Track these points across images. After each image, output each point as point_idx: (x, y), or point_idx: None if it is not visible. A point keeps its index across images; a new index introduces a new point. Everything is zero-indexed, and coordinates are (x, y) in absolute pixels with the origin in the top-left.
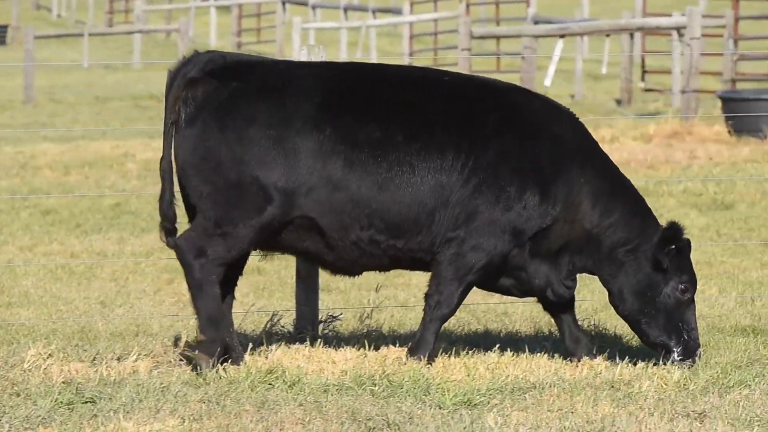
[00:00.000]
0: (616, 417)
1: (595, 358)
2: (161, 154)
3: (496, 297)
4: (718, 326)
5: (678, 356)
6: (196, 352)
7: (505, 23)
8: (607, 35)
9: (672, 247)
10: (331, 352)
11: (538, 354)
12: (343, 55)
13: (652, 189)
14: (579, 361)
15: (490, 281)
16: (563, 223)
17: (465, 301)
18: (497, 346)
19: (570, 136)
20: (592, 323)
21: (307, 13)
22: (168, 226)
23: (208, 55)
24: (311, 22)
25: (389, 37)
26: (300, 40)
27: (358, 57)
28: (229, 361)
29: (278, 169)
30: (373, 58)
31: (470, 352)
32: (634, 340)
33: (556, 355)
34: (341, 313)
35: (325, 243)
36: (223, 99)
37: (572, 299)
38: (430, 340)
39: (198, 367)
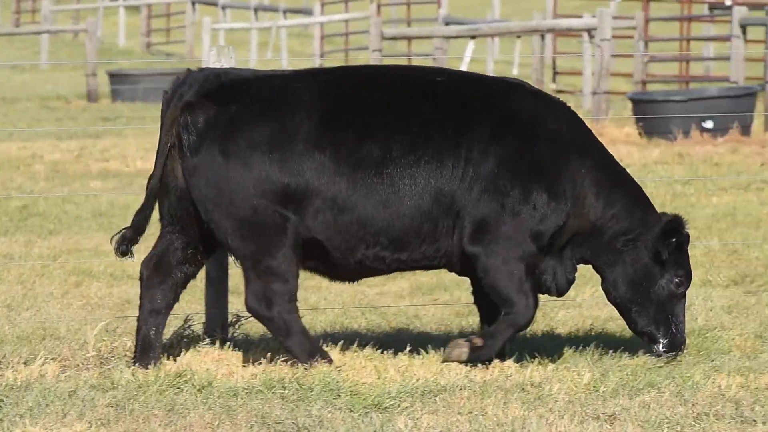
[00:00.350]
0: (526, 419)
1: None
2: (152, 172)
3: (406, 299)
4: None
5: (663, 348)
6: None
7: (417, 24)
8: (518, 36)
9: (673, 240)
10: (241, 355)
11: None
12: (253, 56)
13: None
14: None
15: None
16: (572, 218)
17: (376, 303)
18: (408, 348)
19: (566, 129)
20: None
21: (217, 14)
22: (130, 235)
23: (202, 75)
24: (221, 22)
25: (300, 37)
26: (210, 41)
27: (269, 58)
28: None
29: (283, 191)
30: (284, 59)
31: (381, 354)
32: (543, 342)
33: None
34: (251, 316)
35: (329, 262)
36: (225, 124)
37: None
38: (501, 340)
39: None
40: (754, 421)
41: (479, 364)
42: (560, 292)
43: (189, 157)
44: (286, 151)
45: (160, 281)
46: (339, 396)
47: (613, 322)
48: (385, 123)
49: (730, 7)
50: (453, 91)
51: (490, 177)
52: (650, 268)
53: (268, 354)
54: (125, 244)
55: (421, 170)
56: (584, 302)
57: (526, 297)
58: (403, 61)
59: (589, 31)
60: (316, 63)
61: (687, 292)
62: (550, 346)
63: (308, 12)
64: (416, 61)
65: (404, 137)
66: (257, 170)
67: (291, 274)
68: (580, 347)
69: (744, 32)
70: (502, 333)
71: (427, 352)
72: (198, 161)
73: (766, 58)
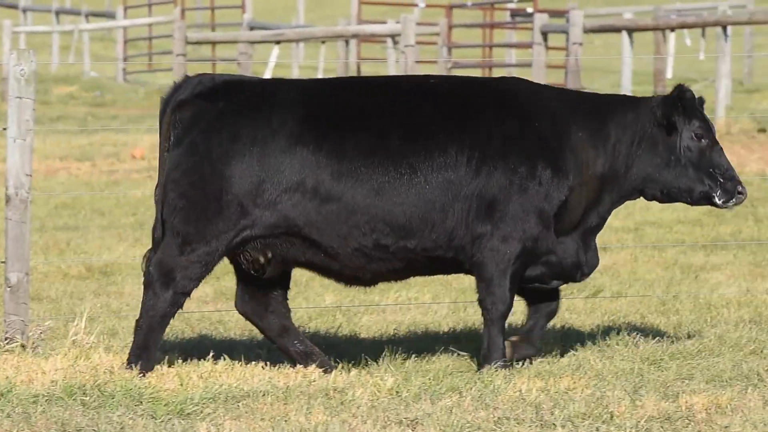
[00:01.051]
0: (329, 425)
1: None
2: (158, 181)
3: (210, 304)
4: (431, 333)
5: (721, 200)
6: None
7: (221, 29)
8: (323, 42)
9: (678, 104)
10: (41, 362)
11: (253, 362)
12: (55, 60)
13: None
14: (513, 356)
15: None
16: (579, 187)
17: (182, 308)
18: (211, 354)
19: (556, 101)
20: (308, 330)
21: (17, 17)
22: (155, 251)
23: (197, 78)
24: (22, 25)
25: (103, 41)
26: (10, 44)
27: (71, 62)
28: (322, 368)
29: (260, 185)
30: (87, 63)
31: (184, 360)
32: (347, 347)
33: (270, 363)
34: (50, 322)
35: (325, 253)
36: (210, 118)
37: (554, 312)
38: (498, 342)
39: None
40: (554, 425)
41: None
42: (590, 268)
43: (172, 149)
44: (267, 146)
45: (265, 309)
46: (141, 402)
47: (416, 326)
48: (379, 120)
49: (531, 15)
50: (449, 91)
51: (496, 159)
52: (667, 143)
53: (69, 360)
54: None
55: (422, 160)
56: (388, 307)
57: (504, 280)
58: (207, 66)
59: (393, 37)
60: (119, 67)
61: (714, 137)
62: (354, 351)
63: (111, 15)
64: (220, 66)
65: (401, 131)
66: (235, 161)
67: (206, 270)
68: (384, 352)
69: (545, 39)
70: (493, 335)
71: (230, 358)
72: (177, 151)
73: (567, 65)
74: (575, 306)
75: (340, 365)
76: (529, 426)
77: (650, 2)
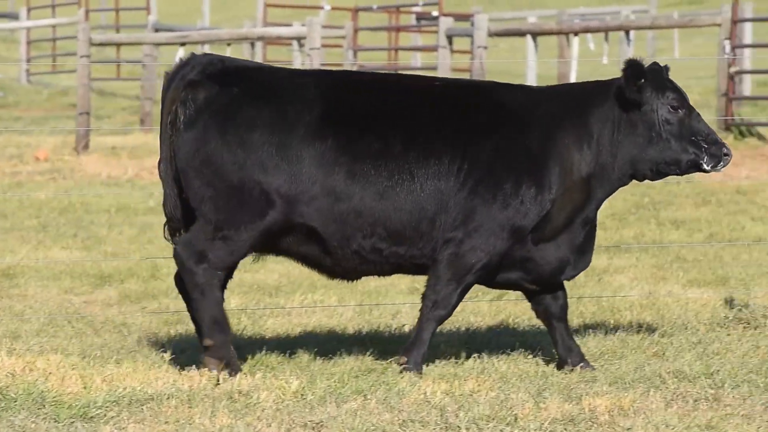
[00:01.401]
0: (233, 428)
1: (589, 366)
2: (159, 156)
3: (114, 307)
4: (336, 335)
5: (709, 166)
6: (205, 357)
7: (126, 30)
8: (228, 44)
9: (641, 81)
10: None
11: (157, 365)
12: None
13: None
14: (572, 368)
15: (491, 278)
16: (562, 196)
17: (83, 311)
18: (115, 357)
19: (544, 110)
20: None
21: None
22: (174, 225)
23: (206, 58)
24: None
25: (5, 42)
26: None
27: None
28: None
29: (281, 176)
30: None
31: (87, 363)
32: (252, 350)
33: (174, 366)
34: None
35: (324, 250)
36: (225, 103)
37: (565, 306)
38: (425, 340)
39: (212, 372)
40: (459, 427)
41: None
42: (580, 270)
43: (182, 130)
44: (286, 136)
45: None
46: (43, 406)
47: (322, 329)
48: (385, 121)
49: (436, 18)
50: (449, 96)
51: (483, 170)
52: (645, 121)
53: None
54: (177, 235)
55: (419, 167)
56: (293, 310)
57: (456, 287)
58: (112, 68)
59: (299, 39)
60: (23, 69)
61: (689, 104)
62: (259, 354)
63: (14, 17)
64: (125, 69)
65: (404, 134)
66: (254, 150)
67: (239, 253)
68: (289, 355)
69: (450, 42)
70: (424, 332)
71: (134, 361)
72: (190, 134)
73: (472, 69)
74: (480, 309)
75: (245, 368)
76: (434, 428)
77: (554, 6)
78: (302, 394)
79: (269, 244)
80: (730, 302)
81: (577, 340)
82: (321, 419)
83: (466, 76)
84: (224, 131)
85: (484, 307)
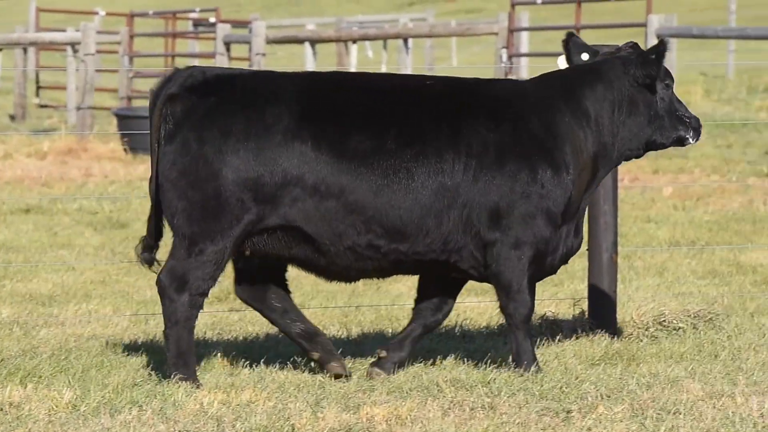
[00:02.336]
0: None
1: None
2: (150, 174)
3: None
4: (112, 346)
5: (693, 139)
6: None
7: None
8: (0, 49)
9: (653, 57)
10: None
11: None
12: None
13: (47, 207)
14: (380, 368)
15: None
16: (581, 173)
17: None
18: None
19: (542, 95)
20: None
21: None
22: (150, 242)
23: (187, 71)
24: None
25: None
26: None
27: None
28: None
29: (257, 180)
30: None
31: None
32: (27, 361)
33: None
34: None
35: (315, 249)
36: (202, 113)
37: (441, 320)
38: (526, 346)
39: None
40: None
41: None
42: (578, 246)
43: (163, 145)
44: (263, 141)
45: (265, 292)
46: None
47: (97, 339)
48: (375, 120)
49: (214, 25)
50: (443, 93)
51: (494, 165)
52: (646, 99)
53: None
54: (147, 253)
55: (418, 164)
56: (67, 320)
57: (523, 287)
58: None
59: (73, 45)
60: None
61: (671, 86)
62: (31, 366)
63: None
64: None
65: (396, 132)
66: (230, 157)
67: (220, 268)
68: (62, 366)
69: (228, 50)
70: (520, 339)
71: None
72: (170, 147)
73: None
74: (256, 319)
75: (17, 380)
76: None
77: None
78: (75, 406)
79: (255, 248)
80: None
81: (356, 349)
82: (94, 431)
83: None
84: (201, 141)
85: (259, 316)
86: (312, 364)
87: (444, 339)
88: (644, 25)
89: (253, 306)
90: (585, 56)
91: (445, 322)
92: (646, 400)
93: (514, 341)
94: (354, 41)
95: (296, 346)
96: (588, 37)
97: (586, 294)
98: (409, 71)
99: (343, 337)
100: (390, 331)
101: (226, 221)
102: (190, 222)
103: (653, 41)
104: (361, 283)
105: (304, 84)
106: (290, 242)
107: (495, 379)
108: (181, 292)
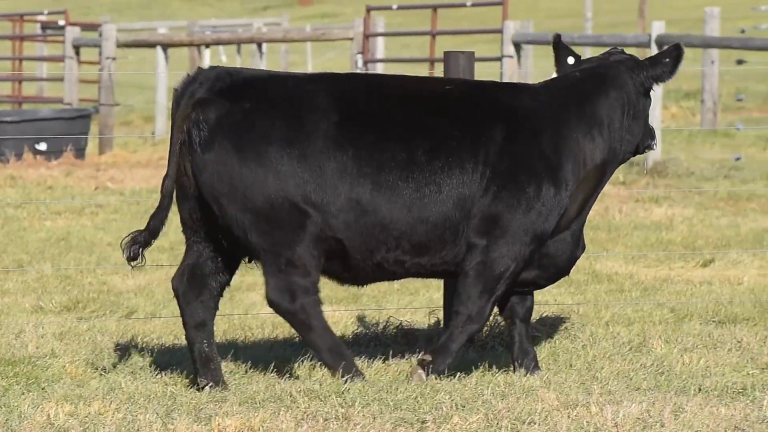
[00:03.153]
0: None
1: (539, 370)
2: (166, 172)
3: None
4: None
5: (654, 146)
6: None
7: None
8: None
9: (666, 61)
10: None
11: None
12: None
13: None
14: (527, 372)
15: (513, 284)
16: (578, 187)
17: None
18: None
19: (548, 106)
20: None
21: None
22: (145, 239)
23: (214, 72)
24: None
25: None
26: None
27: None
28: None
29: (304, 187)
30: None
31: None
32: None
33: None
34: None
35: (345, 264)
36: (238, 120)
37: (531, 308)
38: (453, 350)
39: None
40: None
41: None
42: (582, 251)
43: (199, 153)
44: (305, 147)
45: (197, 295)
46: None
47: None
48: (405, 129)
49: (62, 28)
50: (464, 100)
51: (505, 176)
52: (643, 104)
53: None
54: (137, 247)
55: (444, 176)
56: None
57: (488, 299)
58: None
59: None
60: None
61: None
62: None
63: None
64: None
65: (425, 140)
66: (274, 164)
67: (312, 267)
68: None
69: (77, 53)
70: (455, 340)
71: None
72: (209, 157)
73: (101, 80)
74: (107, 327)
75: None
76: None
77: (185, 18)
78: None
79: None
80: (361, 319)
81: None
82: None
83: (94, 87)
84: (241, 149)
85: (111, 325)
86: (162, 374)
87: (298, 348)
88: (500, 31)
89: (179, 302)
90: (571, 60)
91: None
92: (501, 409)
93: (447, 338)
94: (207, 45)
95: (192, 362)
96: (445, 44)
97: (441, 303)
98: None
99: None
100: (243, 340)
101: (294, 227)
102: (263, 235)
103: (509, 47)
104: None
105: (337, 89)
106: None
107: (349, 389)
108: (294, 301)
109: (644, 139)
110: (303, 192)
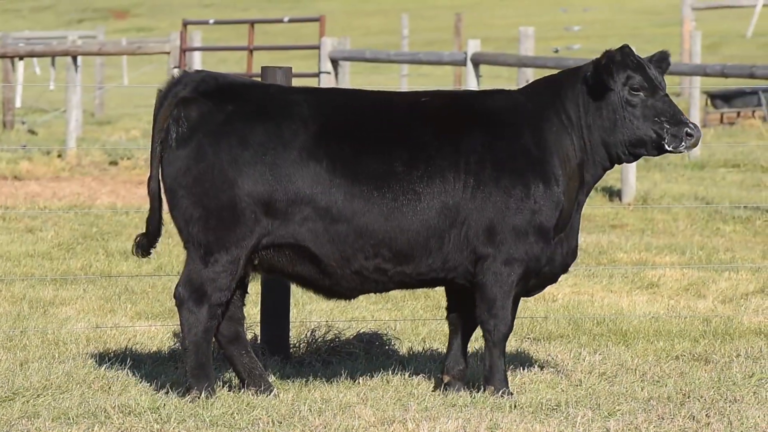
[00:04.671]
0: None
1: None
2: (149, 174)
3: None
4: None
5: (670, 146)
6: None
7: None
8: None
9: (603, 62)
10: None
11: None
12: None
13: None
14: (455, 387)
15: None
16: (570, 182)
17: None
18: None
19: (526, 106)
20: None
21: None
22: (148, 241)
23: (199, 75)
24: None
25: None
26: None
27: None
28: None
29: (271, 194)
30: None
31: None
32: None
33: None
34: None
35: (321, 270)
36: (219, 121)
37: (476, 325)
38: (500, 364)
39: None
40: None
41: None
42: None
43: (173, 147)
44: (280, 156)
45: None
46: None
47: None
48: (384, 140)
49: None
50: (440, 110)
51: (490, 181)
52: (609, 105)
53: None
54: (141, 248)
55: (424, 185)
56: None
57: (507, 303)
58: None
59: None
60: None
61: (654, 85)
62: None
63: None
64: None
65: (404, 152)
66: (246, 168)
67: (234, 278)
68: None
69: None
70: (495, 357)
71: None
72: (183, 152)
73: None
74: None
75: None
76: None
77: None
78: None
79: (263, 264)
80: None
81: (19, 374)
82: None
83: None
84: (218, 149)
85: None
86: None
87: (113, 363)
88: (318, 47)
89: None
90: None
91: (114, 346)
92: (318, 426)
93: (488, 358)
94: (21, 58)
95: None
96: (262, 59)
97: (258, 319)
98: (78, 90)
99: (7, 361)
100: (57, 355)
101: (241, 232)
102: (206, 230)
103: (327, 64)
104: (26, 306)
105: (318, 101)
106: (297, 260)
107: (164, 405)
108: (200, 304)
109: (638, 138)
110: (268, 199)
